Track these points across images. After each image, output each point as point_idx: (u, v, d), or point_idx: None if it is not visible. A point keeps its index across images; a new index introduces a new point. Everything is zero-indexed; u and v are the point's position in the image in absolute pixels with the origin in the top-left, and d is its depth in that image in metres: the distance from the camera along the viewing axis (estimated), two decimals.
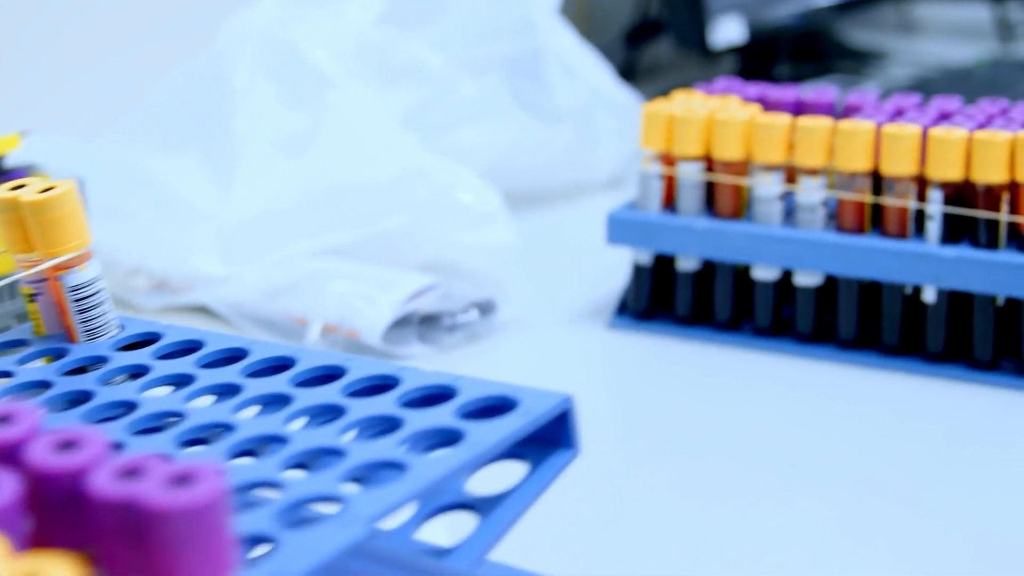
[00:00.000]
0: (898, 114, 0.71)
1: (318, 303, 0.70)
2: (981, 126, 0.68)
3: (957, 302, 0.67)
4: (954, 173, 0.66)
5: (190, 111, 0.81)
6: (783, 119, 0.69)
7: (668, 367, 0.71)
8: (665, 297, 0.74)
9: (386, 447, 0.38)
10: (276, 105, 0.79)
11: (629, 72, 1.31)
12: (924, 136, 0.67)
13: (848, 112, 0.73)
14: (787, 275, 0.71)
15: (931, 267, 0.66)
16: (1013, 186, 0.65)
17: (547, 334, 0.74)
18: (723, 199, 0.71)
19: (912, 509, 0.56)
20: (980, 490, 0.57)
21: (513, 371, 0.71)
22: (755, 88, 0.76)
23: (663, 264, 0.74)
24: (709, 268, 0.73)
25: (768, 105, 0.75)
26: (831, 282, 0.70)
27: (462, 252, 0.78)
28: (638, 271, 0.74)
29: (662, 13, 1.16)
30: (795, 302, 0.70)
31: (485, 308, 0.73)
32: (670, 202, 0.73)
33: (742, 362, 0.71)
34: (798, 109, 0.74)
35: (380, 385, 0.42)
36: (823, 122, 0.68)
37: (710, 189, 0.72)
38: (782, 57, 1.27)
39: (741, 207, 0.71)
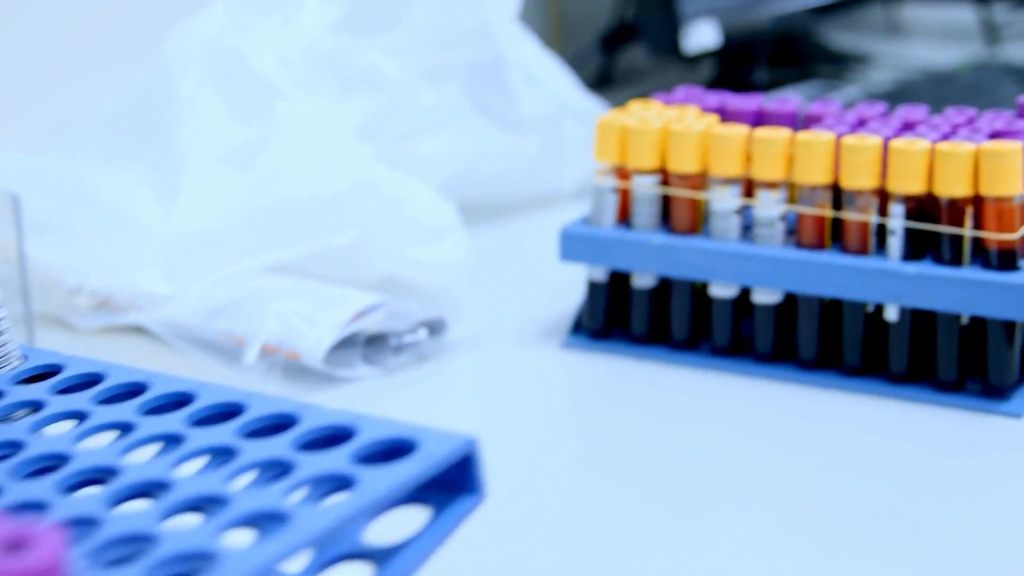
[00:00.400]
0: (860, 124, 0.68)
1: (257, 323, 0.67)
2: (945, 137, 0.65)
3: (920, 321, 0.65)
4: (916, 186, 0.63)
5: (135, 123, 0.79)
6: (739, 130, 0.67)
7: (623, 388, 0.68)
8: (621, 315, 0.71)
9: (273, 495, 0.35)
10: (222, 117, 0.77)
11: (605, 78, 1.28)
12: (886, 148, 0.64)
13: (809, 122, 0.70)
14: (746, 292, 0.68)
15: (893, 284, 0.64)
16: (977, 200, 0.63)
17: (499, 354, 0.72)
18: (679, 214, 0.69)
19: (872, 534, 0.53)
20: (943, 516, 0.55)
21: (462, 393, 0.69)
22: (716, 97, 0.74)
23: (619, 281, 0.71)
24: (665, 285, 0.70)
25: (727, 115, 0.72)
26: (791, 300, 0.67)
27: (414, 268, 0.76)
28: (593, 288, 0.71)
29: (636, 17, 1.13)
30: (754, 320, 0.68)
31: (434, 327, 0.71)
32: (625, 217, 0.71)
33: (700, 382, 0.68)
34: (759, 119, 0.72)
35: (279, 424, 0.40)
36: (780, 133, 0.66)
37: (666, 203, 0.69)
38: (761, 62, 1.24)
39: (698, 222, 0.69)
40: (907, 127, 0.68)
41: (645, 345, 0.71)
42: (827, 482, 0.58)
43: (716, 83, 1.23)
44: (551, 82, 0.92)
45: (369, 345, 0.69)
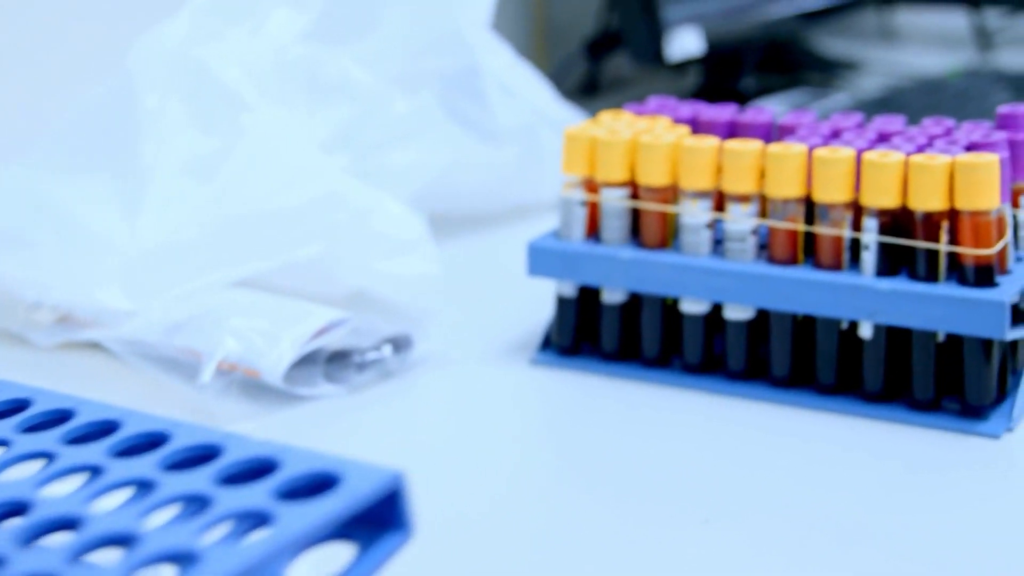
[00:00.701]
0: (835, 136, 0.67)
1: (215, 340, 0.65)
2: (921, 149, 0.63)
3: (896, 338, 0.63)
4: (890, 200, 0.61)
5: (98, 135, 0.77)
6: (710, 142, 0.65)
7: (593, 405, 0.67)
8: (591, 331, 0.70)
9: (186, 533, 0.33)
10: (187, 128, 0.75)
11: (591, 86, 1.27)
12: (859, 160, 0.62)
13: (782, 133, 0.68)
14: (718, 308, 0.66)
15: (866, 301, 0.62)
16: (953, 214, 0.61)
17: (465, 371, 0.70)
18: (648, 228, 0.67)
19: (844, 558, 0.52)
20: (918, 541, 0.53)
21: (426, 411, 0.67)
22: (688, 108, 0.72)
23: (588, 296, 0.69)
24: (636, 301, 0.68)
25: (700, 126, 0.70)
26: (763, 316, 0.66)
27: (382, 282, 0.74)
28: (562, 304, 0.70)
29: (618, 25, 1.11)
30: (725, 337, 0.66)
31: (400, 344, 0.69)
32: (595, 231, 0.69)
33: (671, 400, 0.66)
34: (732, 130, 0.70)
35: (204, 455, 0.38)
36: (752, 145, 0.64)
37: (635, 217, 0.67)
38: (748, 69, 1.22)
39: (668, 236, 0.67)
40: (882, 138, 0.66)
41: (616, 362, 0.69)
42: (799, 504, 0.56)
43: (702, 91, 1.22)
44: (527, 91, 0.91)
45: (332, 362, 0.67)
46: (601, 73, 1.27)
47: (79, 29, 0.93)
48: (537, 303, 0.74)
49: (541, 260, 0.68)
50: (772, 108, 0.71)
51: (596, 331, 0.69)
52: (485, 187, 0.91)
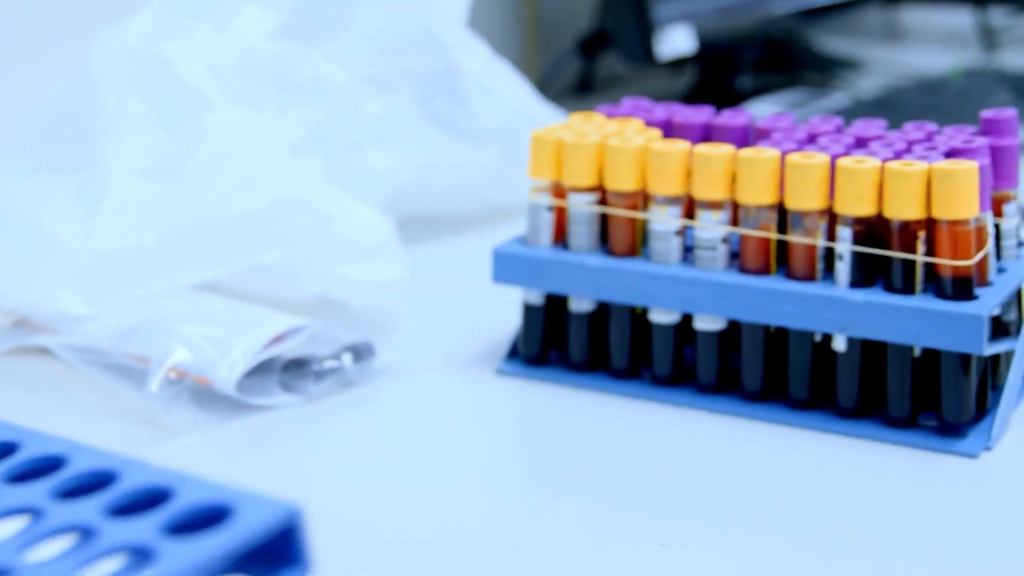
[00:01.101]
0: (811, 140, 0.64)
1: (166, 347, 0.63)
2: (899, 154, 0.61)
3: (871, 352, 0.60)
4: (865, 208, 0.59)
5: (57, 135, 0.75)
6: (679, 146, 0.62)
7: (558, 418, 0.64)
8: (559, 340, 0.67)
9: (64, 568, 0.31)
10: (148, 128, 0.73)
11: (585, 85, 1.24)
12: (833, 166, 0.60)
13: (758, 137, 0.66)
14: (689, 318, 0.64)
15: (840, 313, 0.59)
16: (930, 223, 0.58)
17: (428, 380, 0.68)
18: (617, 234, 0.64)
19: None
20: (888, 564, 0.50)
21: (385, 422, 0.65)
22: (663, 109, 0.69)
23: (556, 305, 0.67)
24: (605, 309, 0.66)
25: (674, 129, 0.67)
26: (735, 327, 0.63)
27: (346, 288, 0.72)
28: (528, 312, 0.67)
29: (608, 23, 1.09)
30: (696, 348, 0.63)
31: (360, 352, 0.67)
32: (562, 237, 0.66)
33: (640, 413, 0.64)
34: (707, 134, 0.67)
35: (99, 481, 0.36)
36: (723, 150, 0.61)
37: (604, 223, 0.65)
38: (745, 68, 1.20)
39: (637, 243, 0.64)
40: (860, 144, 0.63)
41: (583, 373, 0.66)
42: (768, 521, 0.54)
43: (697, 90, 1.19)
44: (506, 90, 0.88)
45: (288, 371, 0.65)
46: (595, 72, 1.24)
47: (39, 25, 0.91)
48: (508, 310, 0.72)
49: (506, 267, 0.66)
50: (751, 111, 0.68)
51: (564, 340, 0.67)
52: (464, 188, 0.89)
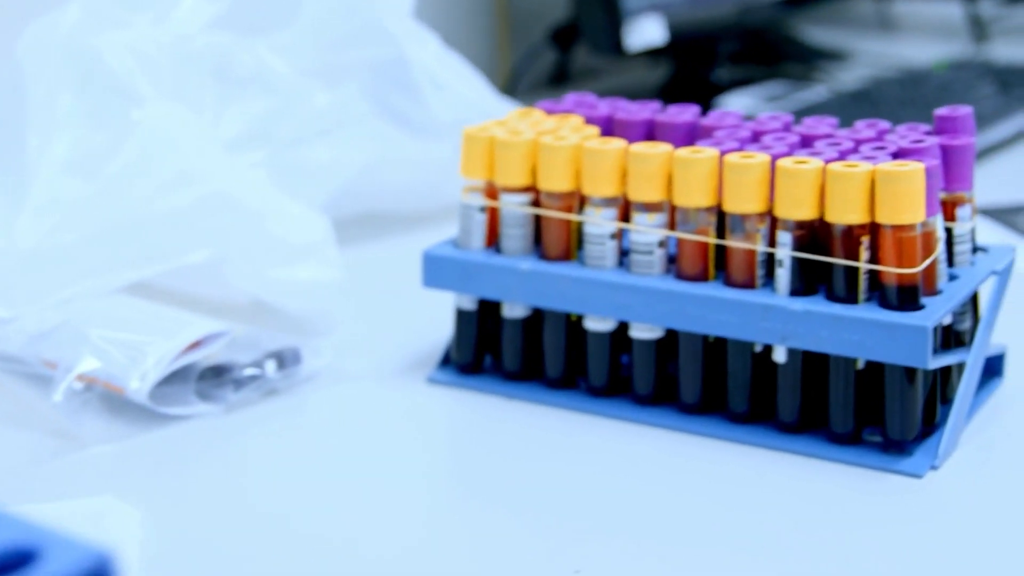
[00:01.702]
0: (755, 139, 0.61)
1: (75, 353, 0.60)
2: (844, 155, 0.57)
3: (812, 364, 0.57)
4: (806, 212, 0.55)
5: None
6: (614, 145, 0.59)
7: (489, 430, 0.61)
8: (493, 348, 0.64)
9: None
10: (76, 123, 0.70)
11: (560, 77, 1.21)
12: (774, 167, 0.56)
13: (701, 135, 0.62)
14: (625, 325, 0.61)
15: (779, 322, 0.56)
16: (874, 228, 0.55)
17: (356, 389, 0.65)
18: (551, 237, 0.61)
19: None
20: None
21: (307, 433, 0.62)
22: (606, 105, 0.66)
23: (489, 310, 0.64)
24: (539, 316, 0.63)
25: (616, 126, 0.64)
26: (673, 335, 0.60)
27: (277, 289, 0.69)
28: (461, 318, 0.64)
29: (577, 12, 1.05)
30: (631, 357, 0.60)
31: (286, 359, 0.64)
32: (496, 239, 0.63)
33: (574, 425, 0.61)
34: (650, 131, 0.64)
35: None
36: (659, 149, 0.58)
37: (538, 225, 0.62)
38: (722, 59, 1.16)
39: (572, 247, 0.61)
40: (806, 143, 0.60)
41: (516, 382, 0.63)
42: (703, 539, 0.51)
43: (673, 82, 1.16)
44: (459, 84, 0.85)
45: (207, 379, 0.62)
46: (571, 64, 1.21)
47: None
48: (447, 315, 0.69)
49: (437, 270, 0.63)
50: (695, 108, 0.65)
51: (497, 348, 0.64)
52: (416, 184, 0.86)
